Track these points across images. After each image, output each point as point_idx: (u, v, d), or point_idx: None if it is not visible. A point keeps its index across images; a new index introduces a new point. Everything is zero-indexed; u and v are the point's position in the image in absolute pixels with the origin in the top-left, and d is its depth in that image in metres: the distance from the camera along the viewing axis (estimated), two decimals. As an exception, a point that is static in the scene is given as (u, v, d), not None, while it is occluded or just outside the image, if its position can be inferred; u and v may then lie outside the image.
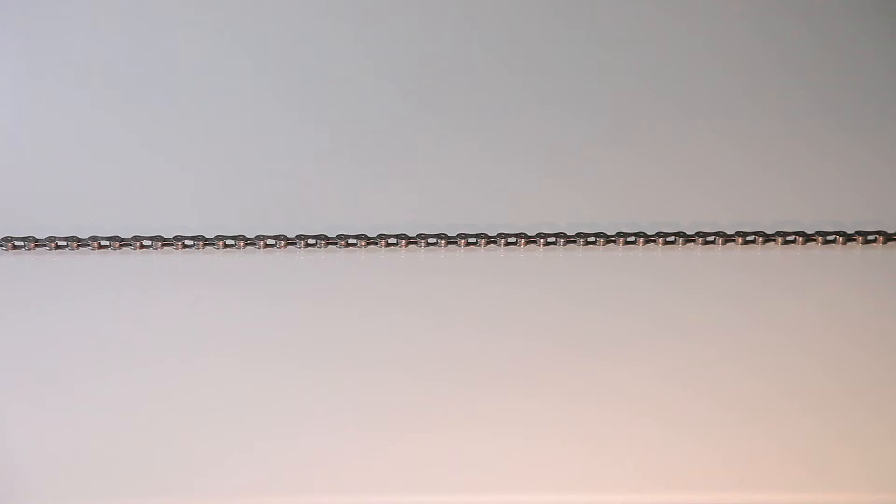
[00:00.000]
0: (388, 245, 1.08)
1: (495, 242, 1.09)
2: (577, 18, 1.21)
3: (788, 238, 1.08)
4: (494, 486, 0.86)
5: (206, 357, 0.95)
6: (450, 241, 1.09)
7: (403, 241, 1.09)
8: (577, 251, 1.08)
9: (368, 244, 1.08)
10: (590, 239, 1.08)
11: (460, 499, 0.86)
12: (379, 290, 1.03)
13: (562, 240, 1.08)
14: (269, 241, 1.08)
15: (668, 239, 1.08)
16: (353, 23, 1.21)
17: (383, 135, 1.16)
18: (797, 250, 1.07)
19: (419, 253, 1.08)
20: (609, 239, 1.08)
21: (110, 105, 1.15)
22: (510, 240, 1.08)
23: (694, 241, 1.08)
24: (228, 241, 1.08)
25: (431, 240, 1.09)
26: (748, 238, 1.08)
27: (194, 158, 1.12)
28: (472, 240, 1.08)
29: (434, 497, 0.85)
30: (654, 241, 1.08)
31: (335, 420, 0.90)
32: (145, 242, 1.07)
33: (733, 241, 1.08)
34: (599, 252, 1.07)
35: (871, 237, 1.08)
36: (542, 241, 1.08)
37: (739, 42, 1.20)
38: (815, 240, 1.08)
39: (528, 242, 1.08)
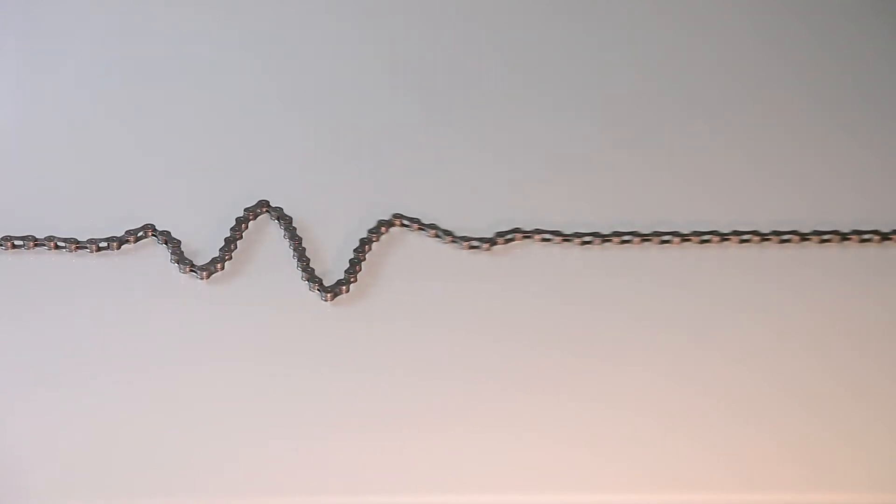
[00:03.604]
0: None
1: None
2: (577, 19, 1.22)
3: (784, 237, 1.08)
4: (495, 486, 0.86)
5: (206, 358, 0.95)
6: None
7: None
8: (573, 250, 1.07)
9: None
10: (586, 239, 1.07)
11: (460, 499, 0.86)
12: (377, 292, 1.02)
13: (558, 237, 1.07)
14: (268, 241, 1.08)
15: (665, 238, 1.08)
16: (361, 25, 1.21)
17: (384, 134, 1.16)
18: (793, 249, 1.07)
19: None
20: (605, 238, 1.08)
21: (111, 104, 1.15)
22: (508, 237, 1.08)
23: (690, 239, 1.08)
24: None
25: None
26: (744, 237, 1.08)
27: (194, 158, 1.12)
28: (475, 244, 1.07)
29: (434, 497, 0.86)
30: (650, 240, 1.08)
31: (335, 421, 0.90)
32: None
33: (728, 239, 1.08)
34: (596, 251, 1.07)
35: (866, 236, 1.08)
36: (537, 236, 1.07)
37: (740, 42, 1.20)
38: (809, 238, 1.08)
39: (524, 236, 1.07)
